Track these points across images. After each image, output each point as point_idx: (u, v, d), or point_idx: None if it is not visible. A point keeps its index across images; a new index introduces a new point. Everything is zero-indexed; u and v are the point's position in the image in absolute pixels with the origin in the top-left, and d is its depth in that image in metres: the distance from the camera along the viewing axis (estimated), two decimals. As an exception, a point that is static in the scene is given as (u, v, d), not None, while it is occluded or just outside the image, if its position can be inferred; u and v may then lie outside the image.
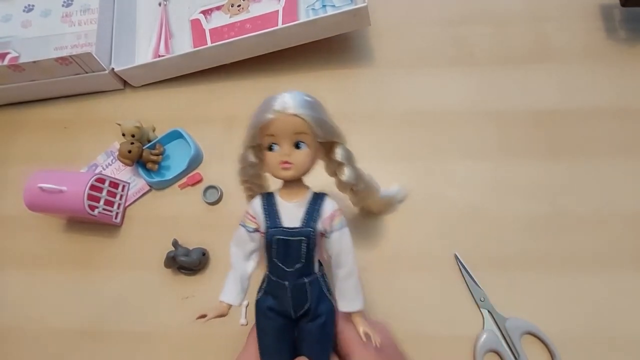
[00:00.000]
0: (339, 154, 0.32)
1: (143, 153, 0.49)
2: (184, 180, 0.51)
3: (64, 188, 0.44)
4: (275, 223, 0.30)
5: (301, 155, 0.29)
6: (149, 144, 0.51)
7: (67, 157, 0.54)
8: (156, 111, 0.55)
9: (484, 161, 0.48)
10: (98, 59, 0.53)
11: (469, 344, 0.40)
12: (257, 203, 0.31)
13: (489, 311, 0.41)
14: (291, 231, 0.29)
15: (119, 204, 0.49)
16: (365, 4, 0.48)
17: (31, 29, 0.61)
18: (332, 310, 0.31)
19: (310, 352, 0.31)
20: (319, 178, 0.33)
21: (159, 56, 0.56)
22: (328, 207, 0.30)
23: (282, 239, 0.30)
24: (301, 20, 0.50)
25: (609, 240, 0.44)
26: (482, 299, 0.42)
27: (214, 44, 0.52)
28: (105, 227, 0.49)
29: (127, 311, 0.45)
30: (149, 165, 0.50)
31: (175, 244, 0.45)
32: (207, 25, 0.58)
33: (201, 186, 0.50)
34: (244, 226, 0.31)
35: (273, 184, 0.34)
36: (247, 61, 0.54)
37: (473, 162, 0.48)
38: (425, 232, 0.45)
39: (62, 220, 0.51)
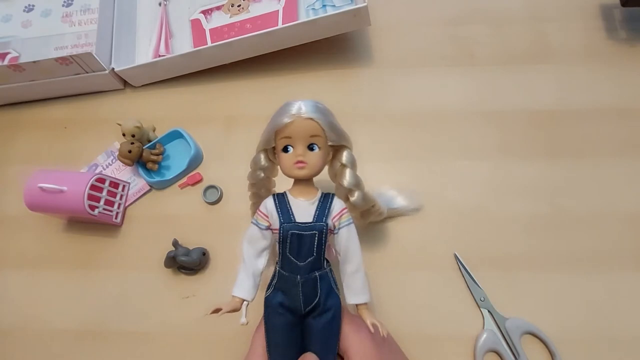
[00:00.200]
0: (344, 157, 0.34)
1: (143, 153, 0.49)
2: (184, 180, 0.51)
3: (64, 188, 0.44)
4: (289, 219, 0.32)
5: (314, 156, 0.32)
6: (149, 144, 0.51)
7: (67, 157, 0.54)
8: (156, 111, 0.55)
9: (483, 161, 0.48)
10: (98, 59, 0.53)
11: (469, 344, 0.40)
12: (270, 202, 0.33)
13: (489, 311, 0.41)
14: (304, 226, 0.31)
15: (119, 204, 0.49)
16: (365, 4, 0.48)
17: (31, 29, 0.61)
18: (339, 305, 0.32)
19: (317, 347, 0.32)
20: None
21: (159, 56, 0.56)
22: (337, 205, 0.32)
23: (296, 233, 0.31)
24: (301, 20, 0.50)
25: (609, 240, 0.44)
26: (482, 299, 0.42)
27: (214, 44, 0.52)
28: (106, 227, 0.49)
29: (127, 311, 0.45)
30: (149, 165, 0.50)
31: (175, 243, 0.45)
32: (207, 25, 0.58)
33: (201, 186, 0.50)
34: (256, 224, 0.33)
35: (279, 190, 0.35)
36: (247, 61, 0.54)
37: (473, 162, 0.48)
38: (425, 232, 0.45)
39: (62, 220, 0.51)
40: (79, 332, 0.45)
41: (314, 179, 0.34)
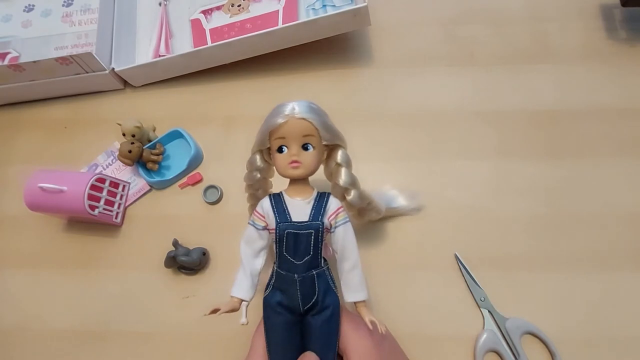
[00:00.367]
0: (339, 156, 0.34)
1: (143, 153, 0.49)
2: (184, 180, 0.51)
3: (64, 188, 0.44)
4: (285, 218, 0.32)
5: (309, 156, 0.32)
6: (149, 144, 0.51)
7: (67, 157, 0.54)
8: (156, 111, 0.55)
9: (483, 161, 0.48)
10: (98, 59, 0.53)
11: (469, 344, 0.40)
12: (266, 202, 0.33)
13: (489, 311, 0.41)
14: (300, 225, 0.32)
15: (120, 204, 0.49)
16: (365, 4, 0.48)
17: (31, 29, 0.61)
18: (338, 303, 0.33)
19: (317, 346, 0.32)
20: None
21: (159, 56, 0.56)
22: (333, 203, 0.33)
23: (292, 232, 0.32)
24: (301, 20, 0.50)
25: (609, 240, 0.44)
26: (482, 299, 0.42)
27: (214, 44, 0.52)
28: (106, 227, 0.49)
29: (127, 311, 0.45)
30: (149, 165, 0.50)
31: (175, 243, 0.45)
32: (207, 25, 0.58)
33: (201, 186, 0.50)
34: (253, 225, 0.33)
35: (276, 191, 0.35)
36: (247, 61, 0.54)
37: (473, 162, 0.48)
38: (425, 232, 0.45)
39: (62, 220, 0.51)
40: (79, 332, 0.45)
41: (310, 178, 0.34)
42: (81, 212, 0.45)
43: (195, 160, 0.51)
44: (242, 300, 0.33)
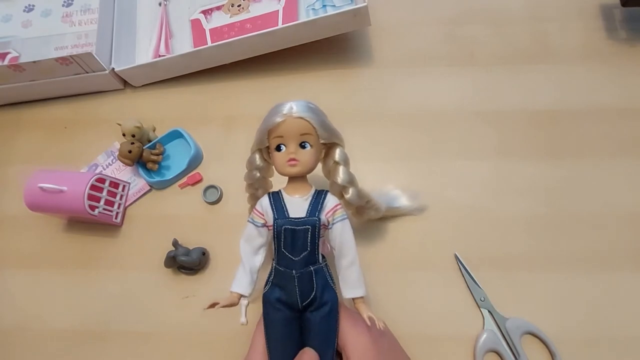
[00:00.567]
0: (337, 154, 0.34)
1: (143, 153, 0.49)
2: (184, 180, 0.51)
3: (64, 188, 0.44)
4: (282, 215, 0.32)
5: (306, 154, 0.32)
6: (149, 144, 0.51)
7: (67, 157, 0.54)
8: (156, 111, 0.55)
9: (483, 161, 0.48)
10: (98, 59, 0.53)
11: (469, 344, 0.40)
12: (265, 200, 0.34)
13: (489, 311, 0.41)
14: (297, 221, 0.32)
15: (119, 204, 0.49)
16: (365, 4, 0.48)
17: (31, 29, 0.61)
18: (336, 299, 0.33)
19: (316, 342, 0.32)
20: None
21: (159, 56, 0.56)
22: (330, 200, 0.33)
23: (290, 228, 0.32)
24: (301, 20, 0.50)
25: (609, 240, 0.44)
26: (482, 299, 0.42)
27: (214, 44, 0.52)
28: (106, 227, 0.49)
29: (127, 311, 0.45)
30: (149, 165, 0.50)
31: (175, 243, 0.45)
32: (207, 25, 0.58)
33: (201, 186, 0.50)
34: (252, 222, 0.34)
35: (276, 188, 0.35)
36: (247, 61, 0.54)
37: (473, 162, 0.48)
38: (425, 232, 0.45)
39: (62, 220, 0.51)
40: (79, 332, 0.45)
41: (309, 176, 0.34)
42: (81, 212, 0.45)
43: (195, 160, 0.51)
44: (242, 296, 0.33)
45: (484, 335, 0.40)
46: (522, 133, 0.49)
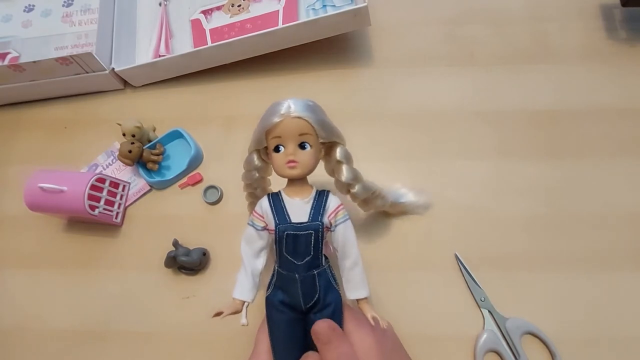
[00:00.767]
0: (338, 153, 0.34)
1: (143, 153, 0.49)
2: (184, 180, 0.51)
3: (64, 188, 0.44)
4: (284, 219, 0.32)
5: (306, 155, 0.31)
6: (150, 144, 0.51)
7: (67, 157, 0.54)
8: (156, 111, 0.55)
9: (483, 161, 0.48)
10: (98, 59, 0.53)
11: (469, 344, 0.40)
12: (265, 202, 0.33)
13: (489, 311, 0.41)
14: (300, 226, 0.31)
15: (120, 204, 0.49)
16: (365, 4, 0.48)
17: (32, 29, 0.61)
18: (339, 300, 0.33)
19: None
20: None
21: (160, 56, 0.56)
22: (332, 202, 0.32)
23: (292, 233, 0.31)
24: (301, 20, 0.50)
25: (609, 240, 0.44)
26: (483, 299, 0.42)
27: (214, 44, 0.52)
28: (106, 227, 0.49)
29: (127, 311, 0.45)
30: (150, 165, 0.50)
31: (175, 243, 0.45)
32: (208, 25, 0.58)
33: (201, 186, 0.50)
34: (252, 225, 0.33)
35: (275, 189, 0.35)
36: (247, 61, 0.54)
37: (473, 162, 0.48)
38: (425, 232, 0.45)
39: (63, 220, 0.51)
40: (79, 332, 0.45)
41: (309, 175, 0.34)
42: (81, 212, 0.45)
43: (195, 161, 0.51)
44: (245, 302, 0.32)
45: (484, 335, 0.40)
46: (522, 133, 0.49)
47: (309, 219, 0.31)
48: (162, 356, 0.43)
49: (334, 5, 0.54)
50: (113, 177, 0.49)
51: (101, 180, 0.47)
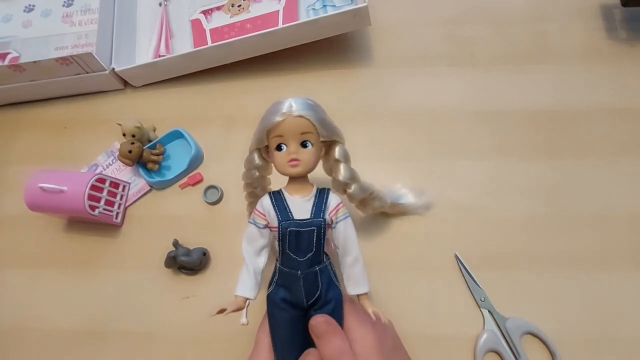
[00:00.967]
0: (337, 152, 0.34)
1: (143, 153, 0.49)
2: (185, 180, 0.51)
3: (64, 188, 0.44)
4: (286, 217, 0.32)
5: (307, 153, 0.32)
6: (150, 144, 0.51)
7: (67, 157, 0.54)
8: (156, 111, 0.55)
9: (483, 161, 0.48)
10: (98, 59, 0.53)
11: (469, 344, 0.40)
12: (266, 200, 0.33)
13: (489, 311, 0.41)
14: (302, 222, 0.32)
15: (120, 204, 0.49)
16: (365, 4, 0.48)
17: (32, 29, 0.61)
18: (340, 296, 0.33)
19: None
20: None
21: (160, 56, 0.56)
22: (333, 199, 0.33)
23: (295, 230, 0.32)
24: (301, 20, 0.50)
25: (609, 240, 0.44)
26: (483, 299, 0.42)
27: (214, 44, 0.52)
28: (106, 227, 0.49)
29: (127, 311, 0.45)
30: (150, 165, 0.50)
31: (175, 243, 0.45)
32: (208, 25, 0.58)
33: (202, 186, 0.50)
34: (254, 223, 0.33)
35: (275, 188, 0.35)
36: (247, 61, 0.54)
37: (473, 162, 0.48)
38: (425, 232, 0.45)
39: (63, 220, 0.51)
40: (79, 332, 0.45)
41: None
42: (81, 212, 0.45)
43: (196, 161, 0.51)
44: (247, 299, 0.33)
45: (484, 335, 0.40)
46: (522, 133, 0.49)
47: (311, 215, 0.32)
48: (162, 356, 0.43)
49: (334, 5, 0.54)
50: (113, 177, 0.49)
51: (101, 180, 0.47)
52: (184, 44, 0.58)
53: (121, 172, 0.52)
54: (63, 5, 0.61)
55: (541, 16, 0.56)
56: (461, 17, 0.57)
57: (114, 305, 0.46)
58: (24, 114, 0.58)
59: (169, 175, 0.50)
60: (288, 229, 0.32)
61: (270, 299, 0.33)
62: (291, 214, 0.32)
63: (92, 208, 0.45)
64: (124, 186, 0.50)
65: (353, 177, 0.35)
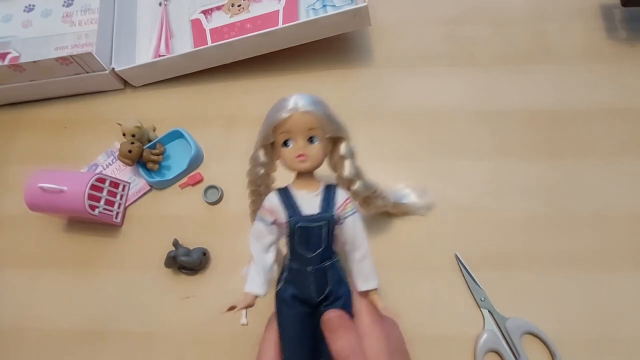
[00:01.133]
0: (343, 148, 0.34)
1: (143, 153, 0.49)
2: (185, 180, 0.51)
3: (64, 188, 0.44)
4: (295, 212, 0.32)
5: (315, 149, 0.32)
6: (150, 144, 0.51)
7: (67, 157, 0.54)
8: (156, 111, 0.55)
9: (484, 161, 0.48)
10: (98, 59, 0.53)
11: (469, 344, 0.40)
12: (274, 197, 0.33)
13: (489, 311, 0.41)
14: (311, 218, 0.31)
15: (120, 204, 0.49)
16: (365, 4, 0.48)
17: (32, 29, 0.61)
18: (349, 293, 0.33)
19: None
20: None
21: (160, 56, 0.56)
22: (340, 195, 0.33)
23: (304, 226, 0.31)
24: (301, 20, 0.50)
25: (609, 240, 0.44)
26: (483, 299, 0.42)
27: (214, 44, 0.52)
28: (106, 227, 0.49)
29: (127, 311, 0.45)
30: (150, 165, 0.50)
31: (175, 243, 0.45)
32: (208, 25, 0.58)
33: (202, 186, 0.50)
34: (261, 220, 0.33)
35: (278, 185, 0.35)
36: (247, 61, 0.54)
37: (473, 162, 0.48)
38: (425, 232, 0.45)
39: (63, 220, 0.51)
40: (79, 332, 0.45)
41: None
42: (81, 212, 0.45)
43: (196, 160, 0.51)
44: (257, 296, 0.32)
45: (484, 335, 0.40)
46: (522, 133, 0.49)
47: (320, 210, 0.32)
48: (162, 356, 0.43)
49: (334, 5, 0.54)
50: (113, 177, 0.49)
51: (101, 180, 0.47)
52: (184, 44, 0.58)
53: (121, 172, 0.52)
54: (63, 5, 0.61)
55: (541, 16, 0.56)
56: (461, 17, 0.57)
57: (114, 305, 0.46)
58: (24, 114, 0.58)
59: (169, 175, 0.50)
60: (297, 225, 0.31)
61: (279, 296, 0.33)
62: (299, 210, 0.32)
63: (92, 208, 0.45)
64: (124, 186, 0.50)
65: (358, 173, 0.35)
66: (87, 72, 0.54)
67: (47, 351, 0.45)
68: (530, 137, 0.49)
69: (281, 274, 0.33)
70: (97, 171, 0.52)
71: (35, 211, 0.46)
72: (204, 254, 0.45)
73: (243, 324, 0.43)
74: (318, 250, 0.32)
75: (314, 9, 0.55)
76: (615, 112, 0.50)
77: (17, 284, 0.49)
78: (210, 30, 0.58)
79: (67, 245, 0.50)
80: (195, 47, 0.57)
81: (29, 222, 0.50)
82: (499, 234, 0.45)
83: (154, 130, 0.53)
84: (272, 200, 0.33)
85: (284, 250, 0.33)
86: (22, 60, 0.57)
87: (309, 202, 0.32)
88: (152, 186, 0.51)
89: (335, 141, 0.34)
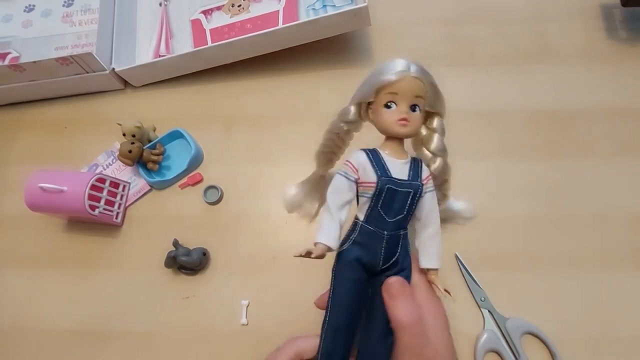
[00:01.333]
0: (436, 122, 0.34)
1: (143, 153, 0.49)
2: (185, 180, 0.51)
3: (64, 188, 0.44)
4: (385, 173, 0.31)
5: (416, 117, 0.31)
6: (150, 144, 0.51)
7: (67, 157, 0.54)
8: (157, 111, 0.55)
9: (484, 161, 0.48)
10: (98, 59, 0.53)
11: (470, 344, 0.40)
12: (362, 155, 0.32)
13: (489, 311, 0.41)
14: (401, 182, 0.31)
15: (120, 204, 0.49)
16: (365, 4, 0.48)
17: (32, 29, 0.61)
18: (411, 267, 0.32)
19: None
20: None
21: (160, 56, 0.56)
22: (425, 169, 0.32)
23: (392, 188, 0.31)
24: (301, 20, 0.50)
25: (609, 240, 0.44)
26: (483, 299, 0.42)
27: (214, 44, 0.52)
28: (106, 227, 0.49)
29: (127, 311, 0.45)
30: (150, 165, 0.50)
31: (175, 243, 0.45)
32: (208, 25, 0.58)
33: (202, 186, 0.50)
34: (345, 175, 0.32)
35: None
36: (247, 61, 0.54)
37: (473, 162, 0.48)
38: (425, 232, 0.45)
39: (63, 220, 0.51)
40: (79, 332, 0.45)
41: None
42: (81, 212, 0.45)
43: (196, 161, 0.51)
44: (329, 248, 0.30)
45: (484, 335, 0.40)
46: (523, 133, 0.49)
47: (409, 178, 0.31)
48: (162, 356, 0.43)
49: (334, 5, 0.54)
50: (113, 177, 0.49)
51: (101, 180, 0.47)
52: (184, 44, 0.58)
53: (121, 172, 0.52)
54: (63, 5, 0.61)
55: (541, 16, 0.56)
56: (461, 17, 0.57)
57: (114, 305, 0.46)
58: (24, 114, 0.58)
59: (169, 175, 0.50)
60: (387, 186, 0.30)
61: (343, 256, 0.31)
62: (389, 172, 0.31)
63: (92, 208, 0.45)
64: (124, 186, 0.50)
65: (444, 150, 0.34)
66: (87, 72, 0.54)
67: (47, 351, 0.45)
68: (530, 137, 0.49)
69: (350, 233, 0.32)
70: (97, 171, 0.52)
71: (35, 211, 0.46)
72: (204, 254, 0.45)
73: (243, 324, 0.43)
74: (398, 217, 0.31)
75: (314, 9, 0.55)
76: (615, 112, 0.50)
77: (17, 284, 0.49)
78: (210, 30, 0.58)
79: (67, 245, 0.50)
80: (195, 47, 0.57)
81: (29, 222, 0.50)
82: (499, 234, 0.45)
83: (154, 130, 0.53)
84: (360, 158, 0.32)
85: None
86: (22, 60, 0.57)
87: (399, 169, 0.31)
88: (152, 186, 0.51)
89: (427, 116, 0.34)
